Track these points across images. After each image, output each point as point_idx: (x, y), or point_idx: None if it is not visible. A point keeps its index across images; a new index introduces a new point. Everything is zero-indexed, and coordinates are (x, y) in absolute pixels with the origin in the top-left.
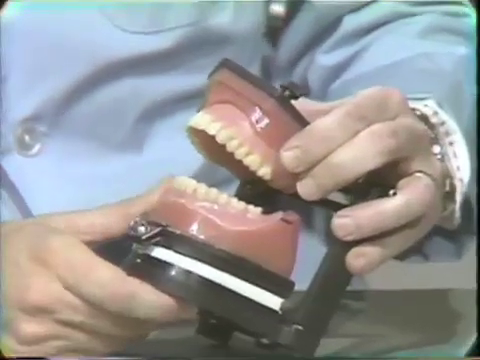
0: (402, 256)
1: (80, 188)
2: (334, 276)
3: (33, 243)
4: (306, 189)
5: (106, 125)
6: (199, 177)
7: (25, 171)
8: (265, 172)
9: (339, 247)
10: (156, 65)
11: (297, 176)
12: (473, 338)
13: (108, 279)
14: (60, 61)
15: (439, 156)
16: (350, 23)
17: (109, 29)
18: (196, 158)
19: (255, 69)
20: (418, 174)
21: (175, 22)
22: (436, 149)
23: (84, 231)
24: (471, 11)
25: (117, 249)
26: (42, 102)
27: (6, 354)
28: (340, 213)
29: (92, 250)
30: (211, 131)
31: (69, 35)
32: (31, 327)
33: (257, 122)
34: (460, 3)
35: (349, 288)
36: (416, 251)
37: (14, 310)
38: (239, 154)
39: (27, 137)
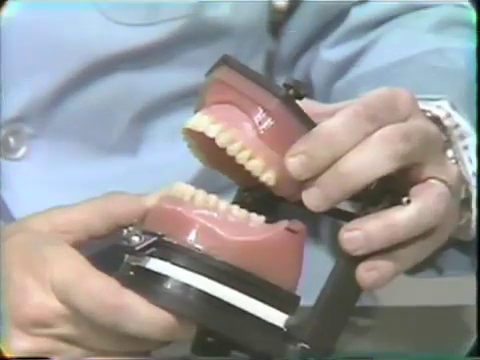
0: (414, 271)
1: (69, 195)
2: (342, 291)
3: (25, 255)
4: (312, 200)
5: (97, 126)
6: (197, 183)
7: (9, 176)
8: (268, 178)
9: (348, 259)
10: (151, 59)
11: (303, 183)
12: (473, 338)
13: (99, 289)
14: (48, 58)
15: (453, 161)
16: (357, 15)
17: (101, 22)
18: (194, 162)
19: (257, 64)
20: (432, 181)
21: (170, 14)
22: (449, 153)
23: (63, 230)
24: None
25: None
26: (28, 102)
27: (6, 354)
28: (348, 226)
29: (87, 261)
30: (210, 133)
31: (58, 30)
32: (24, 345)
33: (260, 124)
34: None
35: (358, 304)
36: (429, 265)
37: (9, 327)
38: (241, 158)
39: (12, 139)
